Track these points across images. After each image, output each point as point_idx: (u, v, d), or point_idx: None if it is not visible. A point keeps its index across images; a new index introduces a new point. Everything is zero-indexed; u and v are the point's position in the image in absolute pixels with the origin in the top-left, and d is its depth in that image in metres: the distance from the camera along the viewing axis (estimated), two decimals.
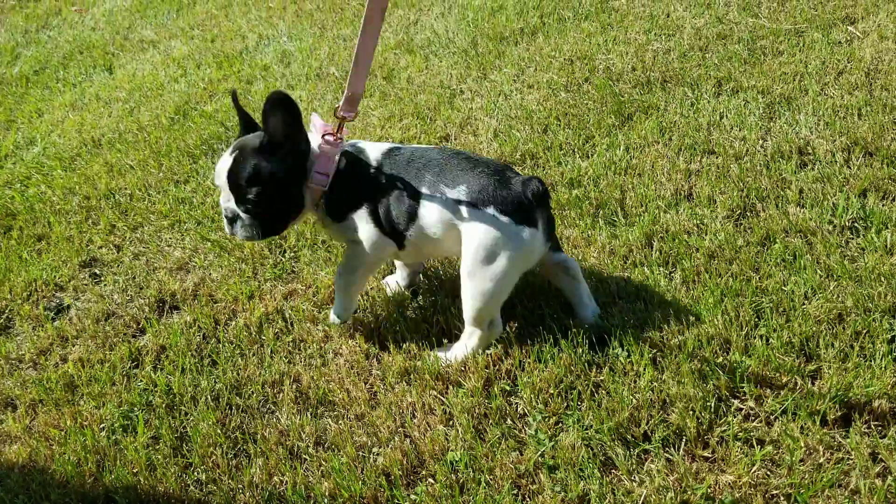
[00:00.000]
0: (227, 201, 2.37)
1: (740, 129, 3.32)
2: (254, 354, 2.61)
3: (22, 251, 3.53)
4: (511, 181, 2.24)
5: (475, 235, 2.20)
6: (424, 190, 2.29)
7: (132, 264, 3.29)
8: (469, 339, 2.37)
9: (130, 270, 3.24)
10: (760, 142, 3.22)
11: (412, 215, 2.30)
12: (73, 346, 2.86)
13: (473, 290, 2.24)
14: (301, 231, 3.19)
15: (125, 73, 5.63)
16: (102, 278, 3.26)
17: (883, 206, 2.73)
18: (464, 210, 2.23)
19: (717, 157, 3.16)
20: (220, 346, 2.67)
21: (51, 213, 3.78)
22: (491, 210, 2.19)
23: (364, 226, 2.36)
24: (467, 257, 2.22)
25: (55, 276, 3.30)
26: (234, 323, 2.78)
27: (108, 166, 4.14)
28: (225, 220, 2.42)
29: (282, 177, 2.30)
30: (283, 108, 2.20)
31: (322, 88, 4.56)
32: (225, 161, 2.33)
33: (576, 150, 3.40)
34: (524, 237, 2.19)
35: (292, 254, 3.11)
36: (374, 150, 2.41)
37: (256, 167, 2.28)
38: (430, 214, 2.28)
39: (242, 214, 2.35)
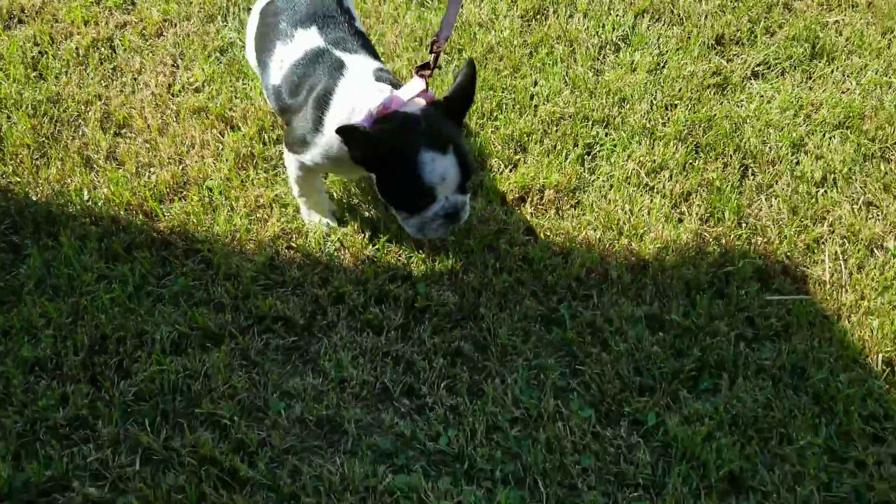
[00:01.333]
0: (458, 192, 2.06)
1: None
2: (76, 75, 2.96)
3: None
4: None
5: None
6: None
7: None
8: None
9: None
10: None
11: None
12: None
13: None
14: None
15: None
16: None
17: (649, 29, 3.06)
18: None
19: None
20: (50, 62, 3.01)
21: None
22: None
23: None
24: None
25: None
26: (67, 43, 3.09)
27: None
28: (444, 223, 2.09)
29: None
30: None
31: None
32: (448, 160, 1.97)
33: None
34: None
35: None
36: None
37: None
38: None
39: (468, 198, 2.14)
